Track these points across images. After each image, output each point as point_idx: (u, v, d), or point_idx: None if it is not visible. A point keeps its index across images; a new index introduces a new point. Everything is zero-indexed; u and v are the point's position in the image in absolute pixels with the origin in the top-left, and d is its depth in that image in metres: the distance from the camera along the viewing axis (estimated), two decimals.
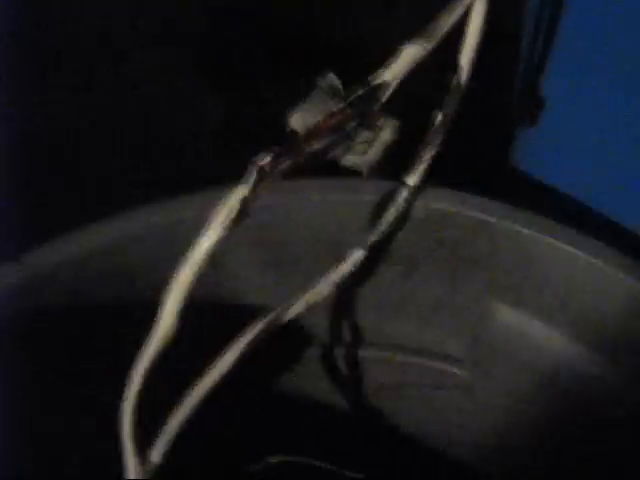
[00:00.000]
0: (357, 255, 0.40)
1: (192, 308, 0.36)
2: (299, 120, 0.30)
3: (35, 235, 0.42)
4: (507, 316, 0.42)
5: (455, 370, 0.45)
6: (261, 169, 0.29)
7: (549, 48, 0.41)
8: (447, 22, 0.32)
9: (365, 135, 0.32)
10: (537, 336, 0.42)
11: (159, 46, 0.61)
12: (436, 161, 0.40)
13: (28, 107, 0.51)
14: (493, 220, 0.40)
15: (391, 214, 0.40)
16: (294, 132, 0.30)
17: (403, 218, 0.41)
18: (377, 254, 0.42)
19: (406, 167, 0.40)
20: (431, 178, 0.41)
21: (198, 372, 0.38)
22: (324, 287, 0.40)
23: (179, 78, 0.64)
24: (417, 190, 0.40)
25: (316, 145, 0.30)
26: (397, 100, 0.34)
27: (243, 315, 0.43)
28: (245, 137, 0.62)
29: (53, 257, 0.40)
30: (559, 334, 0.41)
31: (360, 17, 0.59)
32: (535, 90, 0.43)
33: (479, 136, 0.44)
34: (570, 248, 0.39)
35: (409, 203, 0.40)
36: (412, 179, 0.40)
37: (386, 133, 0.32)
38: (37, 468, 0.39)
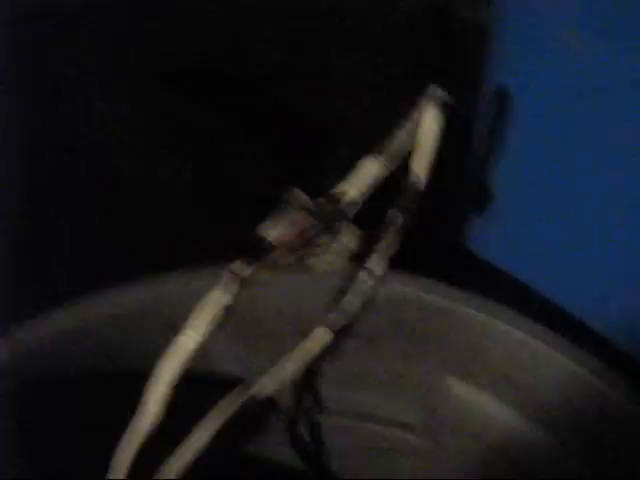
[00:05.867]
0: (325, 337, 0.44)
1: None
2: (270, 231, 0.34)
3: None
4: (458, 389, 0.46)
5: (409, 437, 0.48)
6: (242, 280, 0.32)
7: (495, 149, 0.46)
8: (406, 141, 0.36)
9: (327, 239, 0.36)
10: (485, 408, 0.46)
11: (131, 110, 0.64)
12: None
13: None
14: (445, 304, 0.44)
15: (358, 299, 0.43)
16: (267, 243, 0.34)
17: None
18: (339, 331, 0.45)
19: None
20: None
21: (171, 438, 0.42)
22: (295, 365, 0.43)
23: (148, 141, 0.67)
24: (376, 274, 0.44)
25: (287, 255, 0.34)
26: None
27: (213, 383, 0.46)
28: (214, 201, 0.66)
29: (40, 333, 0.43)
30: (505, 407, 0.45)
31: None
32: (484, 184, 0.47)
33: (435, 223, 0.48)
34: (511, 329, 0.43)
35: (373, 289, 0.44)
36: (377, 269, 0.43)
37: (347, 240, 0.36)
38: None
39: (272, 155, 0.65)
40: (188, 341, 0.32)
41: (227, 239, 0.39)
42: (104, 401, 0.43)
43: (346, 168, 0.36)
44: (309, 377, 0.48)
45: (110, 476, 0.35)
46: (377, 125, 0.39)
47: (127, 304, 0.44)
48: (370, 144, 0.37)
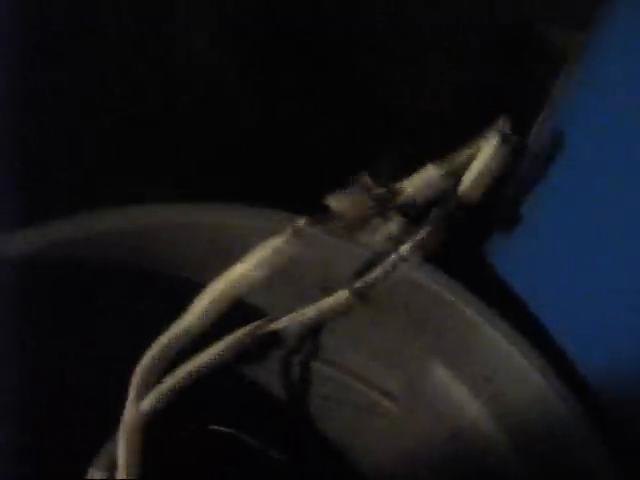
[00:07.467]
0: (343, 294, 0.50)
1: None
2: (334, 202, 0.40)
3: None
4: (440, 374, 0.52)
5: (387, 403, 0.55)
6: (296, 229, 0.38)
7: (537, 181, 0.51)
8: (466, 163, 0.42)
9: (378, 222, 0.42)
10: (459, 397, 0.52)
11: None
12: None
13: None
14: (451, 299, 0.50)
15: (380, 270, 0.49)
16: (328, 209, 0.40)
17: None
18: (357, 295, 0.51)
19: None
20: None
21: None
22: (311, 312, 0.50)
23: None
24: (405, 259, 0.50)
25: (340, 223, 0.39)
26: None
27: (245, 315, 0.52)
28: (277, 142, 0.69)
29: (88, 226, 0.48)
30: (477, 402, 0.51)
31: None
32: (517, 207, 0.52)
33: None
34: (503, 340, 0.49)
35: (395, 267, 0.50)
36: (405, 251, 0.49)
37: (394, 227, 0.42)
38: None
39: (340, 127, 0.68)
40: (240, 272, 0.38)
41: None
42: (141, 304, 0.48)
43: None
44: (317, 326, 0.53)
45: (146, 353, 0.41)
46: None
47: (182, 218, 0.49)
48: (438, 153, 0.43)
